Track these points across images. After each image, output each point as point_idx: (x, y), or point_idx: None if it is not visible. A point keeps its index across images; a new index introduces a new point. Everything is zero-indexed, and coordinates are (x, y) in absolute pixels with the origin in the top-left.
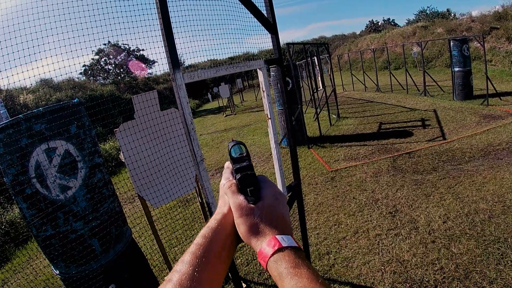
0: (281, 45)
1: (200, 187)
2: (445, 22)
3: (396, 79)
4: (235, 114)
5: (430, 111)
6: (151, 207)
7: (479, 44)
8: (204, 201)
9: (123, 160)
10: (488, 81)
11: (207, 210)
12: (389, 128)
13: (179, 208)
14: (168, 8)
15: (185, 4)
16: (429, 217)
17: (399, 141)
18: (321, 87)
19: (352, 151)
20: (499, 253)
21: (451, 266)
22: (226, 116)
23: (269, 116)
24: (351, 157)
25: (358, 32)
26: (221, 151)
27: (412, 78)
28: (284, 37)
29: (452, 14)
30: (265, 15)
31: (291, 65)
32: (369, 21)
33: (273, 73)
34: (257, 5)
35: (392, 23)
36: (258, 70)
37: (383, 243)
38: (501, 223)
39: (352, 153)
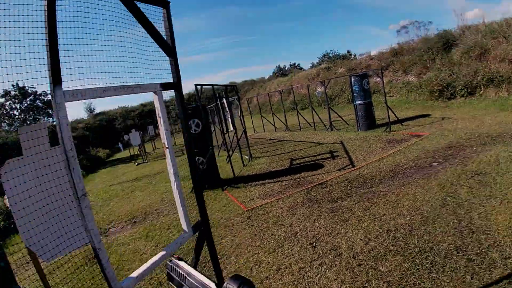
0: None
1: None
2: (346, 62)
3: (304, 118)
4: (147, 162)
5: (338, 143)
6: (43, 263)
7: (378, 79)
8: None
9: (8, 206)
10: (389, 109)
11: (95, 256)
12: (300, 162)
13: (87, 266)
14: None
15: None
16: (351, 241)
17: (311, 173)
18: (231, 128)
19: (266, 188)
20: (428, 262)
21: (383, 285)
22: (137, 164)
23: (166, 145)
24: (266, 194)
25: (266, 77)
26: (132, 201)
27: (318, 115)
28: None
29: (353, 55)
30: (164, 38)
31: (200, 106)
32: (276, 67)
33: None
34: (156, 28)
35: (298, 67)
36: (153, 94)
37: (308, 275)
38: (423, 233)
39: (266, 191)
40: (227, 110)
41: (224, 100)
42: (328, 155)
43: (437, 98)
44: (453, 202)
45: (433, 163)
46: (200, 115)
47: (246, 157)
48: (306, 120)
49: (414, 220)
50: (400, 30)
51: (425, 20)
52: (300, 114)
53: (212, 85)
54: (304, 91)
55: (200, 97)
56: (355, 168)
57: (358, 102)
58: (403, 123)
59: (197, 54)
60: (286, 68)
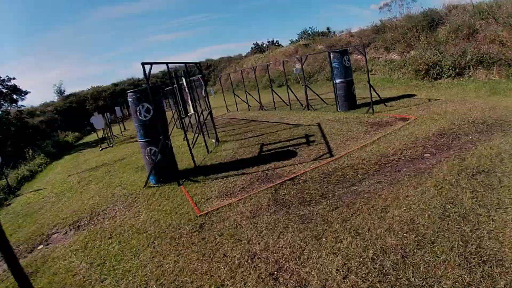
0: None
1: None
2: (325, 39)
3: (279, 96)
4: (112, 147)
5: (314, 125)
6: None
7: (359, 56)
8: None
9: None
10: (371, 88)
11: None
12: (271, 149)
13: None
14: None
15: None
16: (324, 273)
17: (282, 164)
18: (191, 111)
19: (228, 183)
20: None
21: None
22: (101, 149)
23: None
24: (226, 192)
25: (244, 54)
26: (83, 198)
27: (294, 94)
28: (177, 59)
29: (332, 32)
30: None
31: (149, 88)
32: (254, 43)
33: (130, 99)
34: None
35: (276, 44)
36: None
37: None
38: (420, 262)
39: (228, 187)
40: (187, 91)
41: (184, 80)
42: (303, 140)
43: (422, 78)
44: (455, 212)
45: (425, 154)
46: (149, 98)
47: (213, 140)
48: (281, 99)
49: (408, 240)
50: (382, 8)
51: None
52: (275, 92)
53: (166, 63)
54: (281, 68)
55: (149, 77)
56: (334, 158)
57: (338, 81)
58: (386, 103)
59: (174, 31)
60: (264, 45)
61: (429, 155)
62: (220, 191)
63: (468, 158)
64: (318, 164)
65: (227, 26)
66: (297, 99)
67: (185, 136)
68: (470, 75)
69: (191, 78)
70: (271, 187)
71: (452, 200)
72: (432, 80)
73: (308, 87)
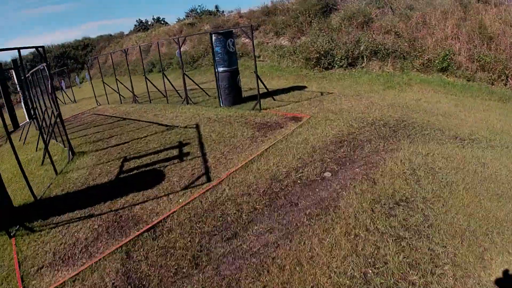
0: None
1: None
2: (212, 18)
3: (154, 85)
4: None
5: (192, 127)
6: None
7: (247, 40)
8: None
9: None
10: (259, 80)
11: None
12: (134, 168)
13: None
14: None
15: None
16: None
17: (143, 196)
18: (27, 119)
19: (69, 236)
20: None
21: None
22: None
23: None
24: (63, 256)
25: (126, 32)
26: None
27: (171, 83)
28: (52, 39)
29: (221, 12)
30: None
31: None
32: (137, 20)
33: None
34: None
35: (162, 22)
36: None
37: None
38: None
39: (67, 243)
40: (19, 88)
41: (14, 73)
42: (176, 152)
43: (313, 67)
44: (380, 284)
45: (325, 173)
46: None
47: (67, 149)
48: (157, 89)
49: None
50: None
51: None
52: (149, 81)
53: None
54: (164, 49)
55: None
56: (211, 185)
57: (220, 69)
58: (275, 97)
59: (46, 5)
60: (149, 23)
61: (330, 174)
62: (57, 252)
63: (378, 179)
64: (190, 197)
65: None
66: (175, 89)
67: (45, 146)
68: (363, 66)
69: (37, 68)
70: (122, 246)
71: (373, 261)
72: (323, 70)
73: (187, 75)
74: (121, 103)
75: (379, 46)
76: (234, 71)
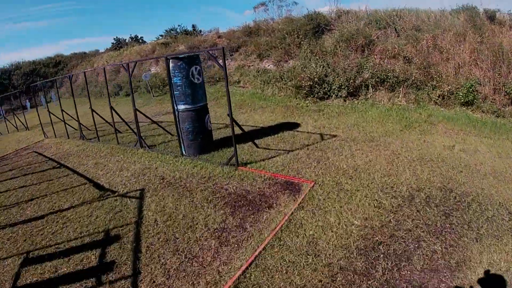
0: None
1: None
2: (188, 38)
3: (102, 117)
4: None
5: (134, 195)
6: None
7: (227, 61)
8: None
9: None
10: (235, 124)
11: None
12: (29, 286)
13: None
14: None
15: None
16: None
17: None
18: None
19: None
20: None
21: None
22: None
23: None
24: None
25: (102, 50)
26: None
27: (120, 117)
28: (26, 55)
29: (198, 31)
30: None
31: None
32: (115, 38)
33: None
34: None
35: (140, 41)
36: None
37: None
38: None
39: None
40: None
41: None
42: (93, 259)
43: (305, 97)
44: None
45: None
46: None
47: None
48: (106, 121)
49: None
50: (257, 7)
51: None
52: (96, 113)
53: None
54: (136, 71)
55: None
56: None
57: (181, 107)
58: (258, 140)
59: (26, 21)
60: (127, 41)
61: None
62: None
63: None
64: None
65: (94, 16)
66: (128, 126)
67: None
68: (367, 97)
69: None
70: None
71: None
72: (318, 100)
73: (139, 110)
74: (68, 137)
75: (388, 74)
76: (201, 109)
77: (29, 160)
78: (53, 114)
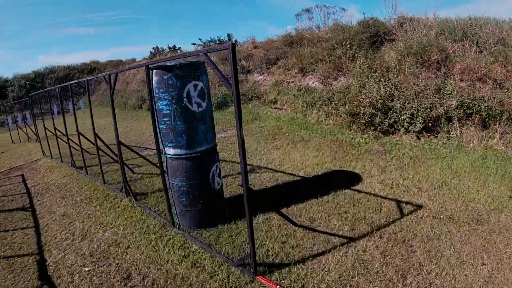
0: None
1: None
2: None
3: (89, 140)
4: None
5: None
6: None
7: (261, 77)
8: None
9: None
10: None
11: None
12: None
13: None
14: None
15: None
16: None
17: None
18: None
19: None
20: None
21: None
22: None
23: None
24: None
25: (139, 59)
26: None
27: (106, 144)
28: (67, 60)
29: (234, 40)
30: None
31: None
32: (153, 47)
33: None
34: None
35: (178, 50)
36: None
37: None
38: None
39: None
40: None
41: None
42: None
43: (363, 129)
44: None
45: None
46: None
47: None
48: (95, 145)
49: None
50: (301, 15)
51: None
52: (84, 136)
53: None
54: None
55: None
56: None
57: (170, 152)
58: (298, 206)
59: (92, 26)
60: (165, 50)
61: None
62: None
63: None
64: None
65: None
66: (114, 159)
67: None
68: (449, 135)
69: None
70: None
71: None
72: (380, 134)
73: (123, 144)
74: (61, 161)
75: (480, 103)
76: (203, 157)
77: (9, 188)
78: (58, 130)
